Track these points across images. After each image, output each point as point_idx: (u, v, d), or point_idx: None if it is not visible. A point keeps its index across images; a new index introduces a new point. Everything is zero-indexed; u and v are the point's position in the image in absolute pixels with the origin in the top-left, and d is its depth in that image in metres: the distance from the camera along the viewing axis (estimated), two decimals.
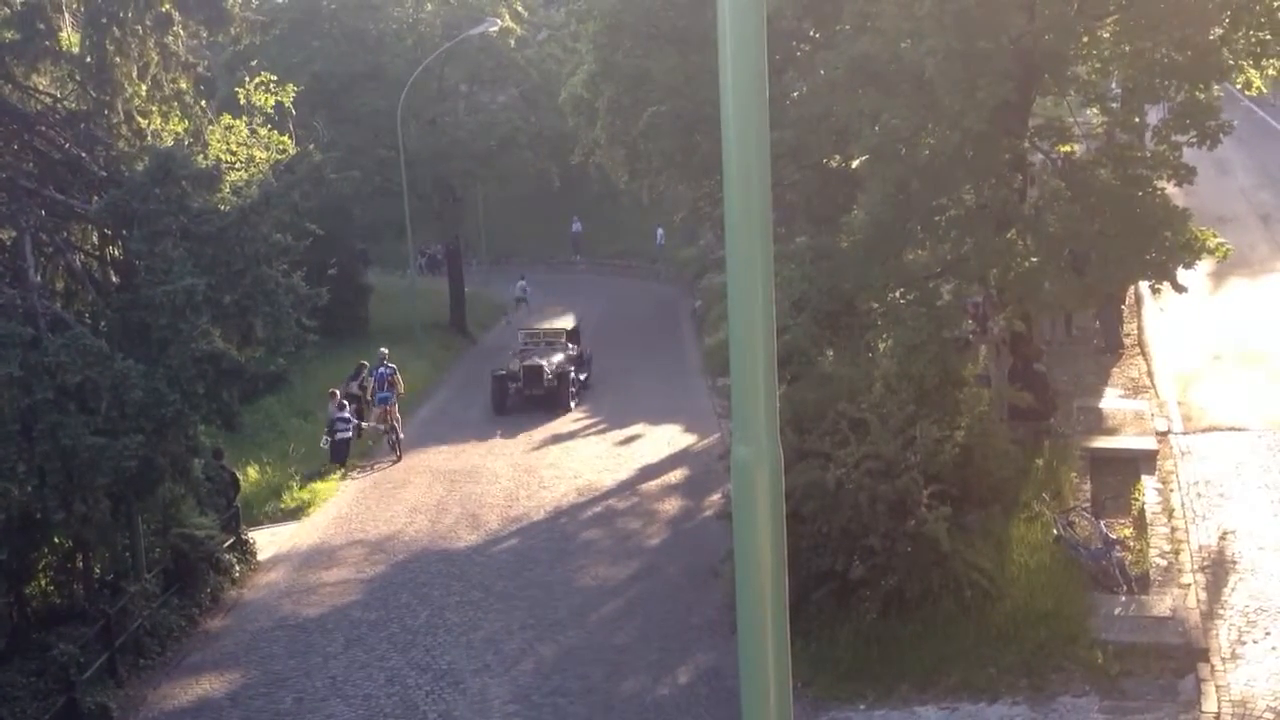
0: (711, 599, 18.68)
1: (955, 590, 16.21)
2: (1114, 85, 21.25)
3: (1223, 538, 17.60)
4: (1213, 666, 14.61)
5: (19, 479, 14.63)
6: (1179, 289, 18.93)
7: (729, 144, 4.68)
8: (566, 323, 35.37)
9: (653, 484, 25.15)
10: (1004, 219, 18.68)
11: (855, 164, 21.07)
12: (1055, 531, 17.60)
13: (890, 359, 18.83)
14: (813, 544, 16.30)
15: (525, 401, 31.76)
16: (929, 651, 15.58)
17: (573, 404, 32.15)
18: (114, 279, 18.20)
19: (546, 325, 35.37)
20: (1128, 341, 25.92)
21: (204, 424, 17.35)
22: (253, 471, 25.60)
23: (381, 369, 30.09)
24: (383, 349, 31.83)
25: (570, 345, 34.18)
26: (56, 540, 18.29)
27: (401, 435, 28.61)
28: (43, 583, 18.72)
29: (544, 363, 32.09)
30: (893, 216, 18.36)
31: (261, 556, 22.04)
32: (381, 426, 28.76)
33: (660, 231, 51.94)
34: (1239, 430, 21.24)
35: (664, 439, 28.24)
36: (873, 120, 18.94)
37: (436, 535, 22.89)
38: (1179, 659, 14.89)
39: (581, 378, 34.04)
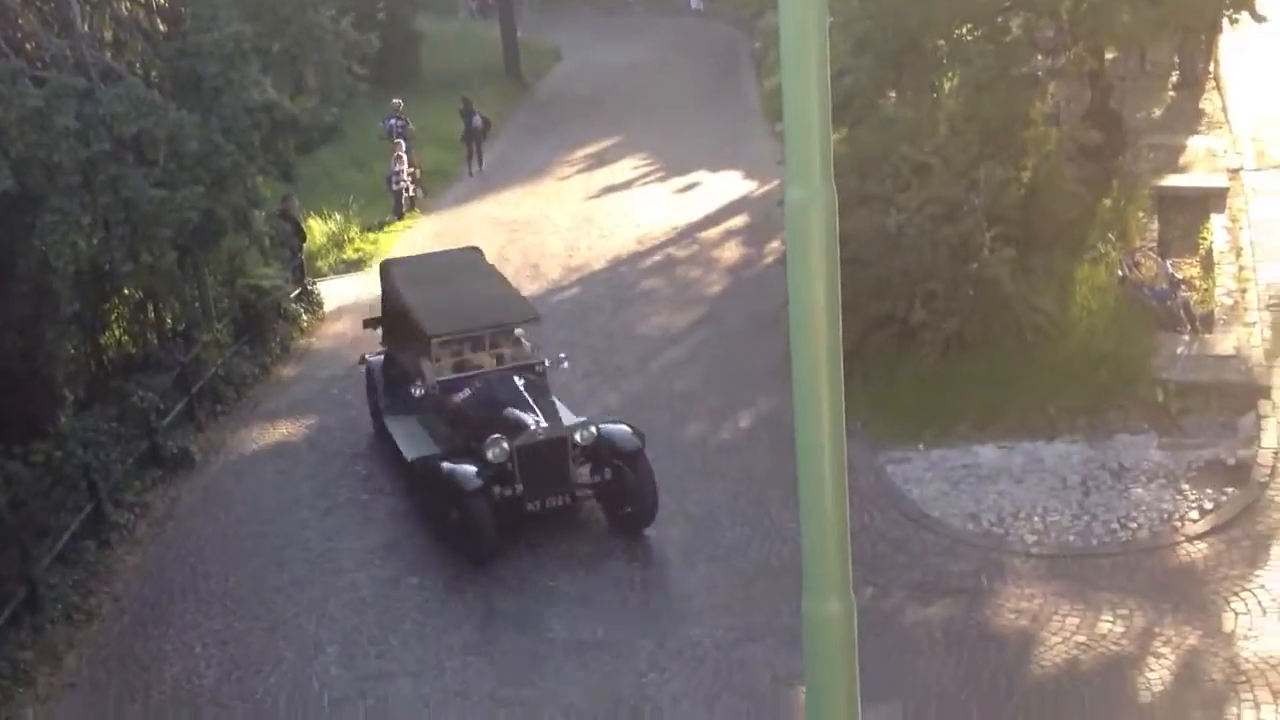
0: (773, 346, 18.72)
1: (1016, 332, 16.20)
2: None
3: None
4: (1274, 403, 14.61)
5: (84, 231, 14.79)
6: (1258, 18, 18.08)
7: None
8: (516, 308, 16.50)
9: (713, 231, 24.99)
10: None
11: None
12: (1120, 272, 17.38)
13: (956, 99, 18.24)
14: (873, 289, 16.25)
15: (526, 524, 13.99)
16: (988, 393, 15.68)
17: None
18: (161, 28, 17.90)
19: (478, 332, 15.81)
20: (1204, 77, 24.91)
21: (261, 175, 17.35)
22: (315, 224, 25.75)
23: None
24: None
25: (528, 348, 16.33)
26: (126, 291, 18.73)
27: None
28: (117, 333, 19.24)
29: (565, 434, 14.02)
30: None
31: (327, 307, 22.45)
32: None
33: None
34: None
35: (723, 186, 27.89)
36: None
37: None
38: (1240, 397, 14.88)
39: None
